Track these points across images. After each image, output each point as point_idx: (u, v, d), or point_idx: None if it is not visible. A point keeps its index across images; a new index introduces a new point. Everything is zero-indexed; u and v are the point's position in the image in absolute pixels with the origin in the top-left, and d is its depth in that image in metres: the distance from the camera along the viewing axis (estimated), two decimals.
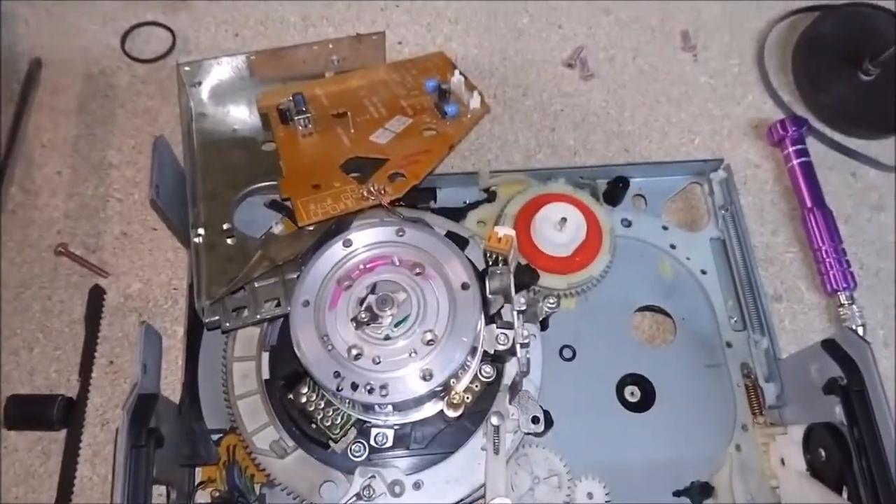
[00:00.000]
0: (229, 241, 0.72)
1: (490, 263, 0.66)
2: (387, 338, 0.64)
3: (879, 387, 0.60)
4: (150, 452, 0.56)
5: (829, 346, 0.65)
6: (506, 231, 0.64)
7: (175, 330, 0.76)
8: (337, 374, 0.62)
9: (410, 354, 0.63)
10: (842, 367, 0.63)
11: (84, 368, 0.73)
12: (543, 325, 0.77)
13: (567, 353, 0.77)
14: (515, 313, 0.66)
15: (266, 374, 0.70)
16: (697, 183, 0.87)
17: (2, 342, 0.75)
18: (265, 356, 0.70)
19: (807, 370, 0.68)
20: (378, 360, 0.63)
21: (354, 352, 0.63)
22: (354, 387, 0.61)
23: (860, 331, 0.80)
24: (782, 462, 0.70)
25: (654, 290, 0.81)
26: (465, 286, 0.65)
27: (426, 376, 0.62)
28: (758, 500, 0.71)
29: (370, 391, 0.61)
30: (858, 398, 0.61)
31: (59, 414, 0.69)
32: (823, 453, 0.65)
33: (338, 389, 0.61)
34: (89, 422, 0.72)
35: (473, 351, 0.68)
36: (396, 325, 0.64)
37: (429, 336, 0.64)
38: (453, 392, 0.64)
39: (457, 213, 0.80)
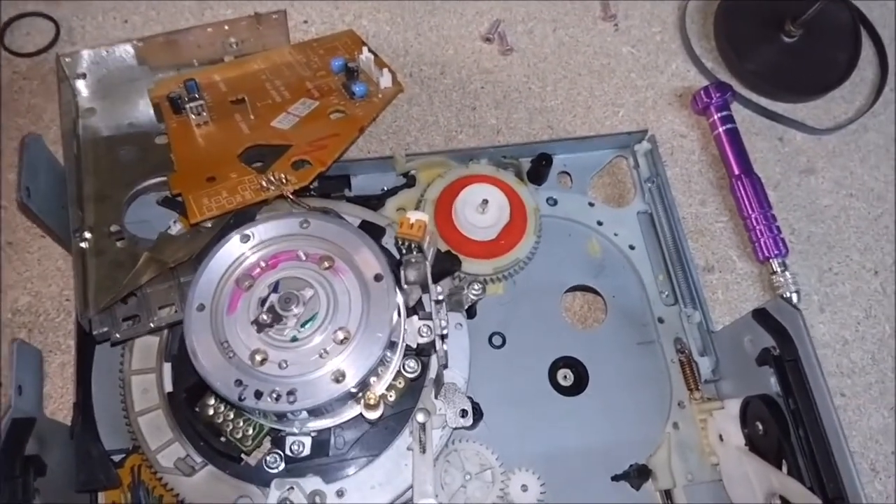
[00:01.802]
0: (119, 244, 0.66)
1: (404, 252, 0.62)
2: (294, 339, 0.58)
3: (813, 355, 0.58)
4: (29, 482, 0.50)
5: (760, 315, 0.63)
6: (418, 216, 0.60)
7: (69, 344, 0.70)
8: (239, 383, 0.56)
9: (321, 355, 0.58)
10: (774, 337, 0.61)
11: None
12: (470, 313, 0.73)
13: (497, 340, 0.73)
14: (434, 303, 0.62)
15: (168, 387, 0.64)
16: (623, 156, 0.84)
17: None
18: (167, 367, 0.65)
19: (740, 342, 0.66)
20: (285, 365, 0.58)
21: (258, 357, 0.58)
22: (258, 395, 0.56)
23: (794, 297, 0.78)
24: (720, 438, 0.68)
25: (583, 270, 0.78)
26: (378, 278, 0.60)
27: (339, 378, 0.57)
28: (698, 478, 0.68)
29: (276, 398, 0.56)
30: (792, 367, 0.59)
31: None
32: (761, 426, 0.63)
33: (240, 399, 0.56)
34: None
35: (392, 346, 0.63)
36: (304, 324, 0.59)
37: (341, 334, 0.59)
38: (369, 393, 0.60)
39: (374, 201, 0.76)
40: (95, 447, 0.62)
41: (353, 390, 0.58)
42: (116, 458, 0.64)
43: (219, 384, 0.56)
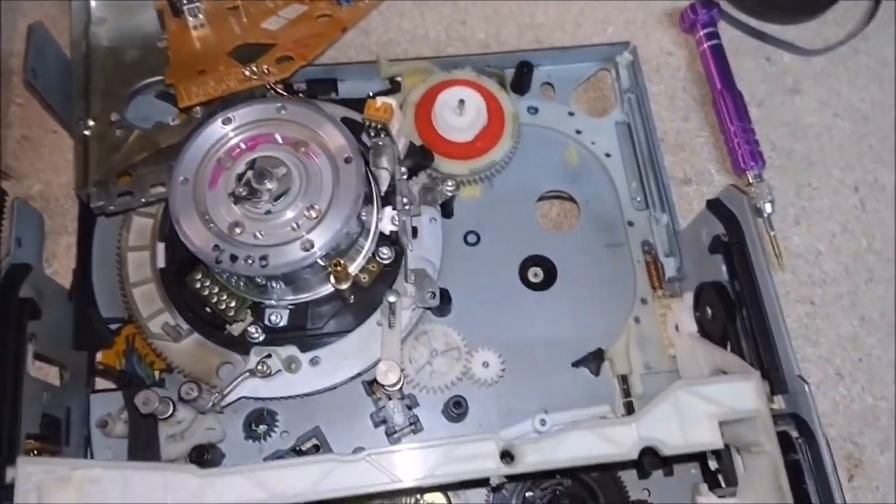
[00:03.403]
0: (118, 132, 0.71)
1: (372, 136, 0.66)
2: (268, 213, 0.63)
3: (756, 239, 0.61)
4: (24, 322, 0.56)
5: (713, 205, 0.65)
6: (385, 99, 0.63)
7: (76, 228, 0.76)
8: (216, 248, 0.62)
9: (292, 228, 0.63)
10: (724, 224, 0.64)
11: None
12: (447, 212, 0.77)
13: (471, 238, 0.77)
14: (399, 182, 0.66)
15: (161, 263, 0.70)
16: (606, 69, 0.86)
17: None
18: (160, 246, 0.70)
19: (699, 235, 0.68)
20: (259, 235, 0.63)
21: (237, 229, 0.63)
22: (234, 259, 0.61)
23: (767, 207, 0.79)
24: (676, 328, 0.71)
25: (559, 176, 0.80)
26: (348, 160, 0.65)
27: (307, 247, 0.62)
28: (656, 368, 0.72)
29: (250, 262, 0.61)
30: (737, 250, 0.62)
31: None
32: (710, 311, 0.66)
33: (217, 262, 0.61)
34: None
35: (365, 232, 0.68)
36: (277, 199, 0.63)
37: (311, 211, 0.63)
38: (339, 267, 0.64)
39: (360, 104, 0.79)
40: (92, 311, 0.68)
41: (321, 262, 0.63)
42: (113, 326, 0.71)
43: (198, 249, 0.62)
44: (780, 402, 0.58)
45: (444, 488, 0.63)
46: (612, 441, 0.53)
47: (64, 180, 0.79)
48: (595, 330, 0.73)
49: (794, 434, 0.55)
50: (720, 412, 0.54)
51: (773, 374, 0.57)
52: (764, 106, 0.89)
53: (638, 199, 0.79)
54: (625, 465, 0.59)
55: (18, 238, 0.58)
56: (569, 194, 0.80)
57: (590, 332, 0.73)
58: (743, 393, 0.55)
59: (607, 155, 0.81)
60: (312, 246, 0.62)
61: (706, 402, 0.54)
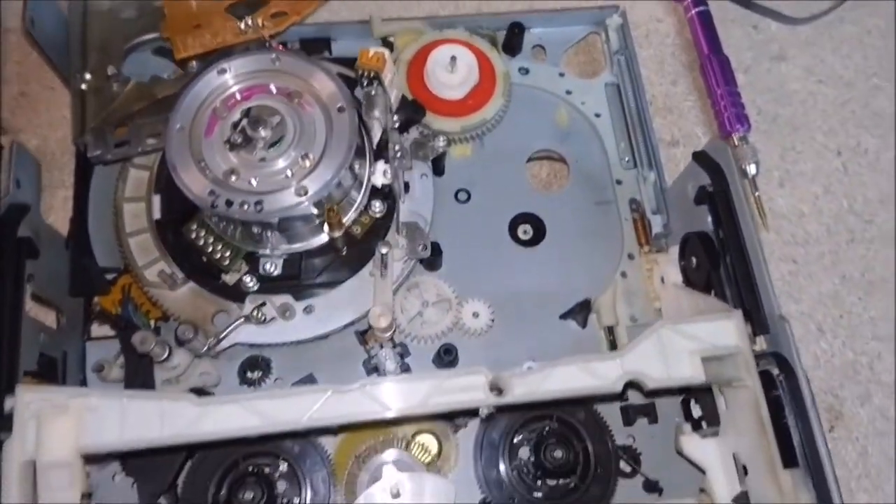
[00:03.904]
0: (115, 86, 0.72)
1: (365, 85, 0.67)
2: (262, 160, 0.65)
3: (740, 188, 0.62)
4: (22, 261, 0.57)
5: (699, 156, 0.67)
6: (378, 49, 0.65)
7: (73, 181, 0.77)
8: (212, 193, 0.63)
9: (286, 176, 0.64)
10: (709, 174, 0.65)
11: None
12: (439, 169, 0.78)
13: (462, 196, 0.78)
14: (392, 132, 0.67)
15: (157, 215, 0.71)
16: (596, 33, 0.87)
17: None
18: (156, 198, 0.71)
19: (685, 190, 0.70)
20: (254, 182, 0.64)
21: (232, 176, 0.64)
22: (229, 203, 0.63)
23: (753, 168, 0.81)
24: (662, 280, 0.72)
25: (549, 136, 0.82)
26: (341, 109, 0.66)
27: (300, 192, 0.63)
28: (642, 321, 0.73)
29: (245, 207, 0.62)
30: (722, 198, 0.63)
31: None
32: (695, 260, 0.67)
33: (213, 206, 0.62)
34: None
35: (355, 179, 0.69)
36: (271, 146, 0.65)
37: (305, 160, 0.65)
38: (333, 212, 0.65)
39: (353, 63, 0.80)
40: (88, 259, 0.69)
41: (315, 209, 0.64)
42: (109, 276, 0.72)
43: (195, 195, 0.63)
44: (761, 344, 0.60)
45: (436, 418, 0.65)
46: (598, 375, 0.55)
47: (60, 135, 0.80)
48: (582, 284, 0.75)
49: (776, 371, 0.57)
50: (702, 348, 0.56)
51: (755, 315, 0.59)
52: (750, 72, 0.91)
53: (626, 159, 0.81)
54: (610, 400, 0.61)
55: (17, 179, 0.59)
56: (559, 154, 0.81)
57: (577, 287, 0.75)
58: (724, 330, 0.57)
59: (597, 115, 0.82)
60: (306, 192, 0.63)
61: (689, 340, 0.56)
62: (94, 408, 0.51)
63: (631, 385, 0.56)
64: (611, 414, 0.68)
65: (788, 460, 0.54)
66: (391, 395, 0.54)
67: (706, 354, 0.56)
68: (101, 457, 0.57)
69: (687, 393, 0.68)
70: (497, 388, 0.55)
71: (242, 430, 0.52)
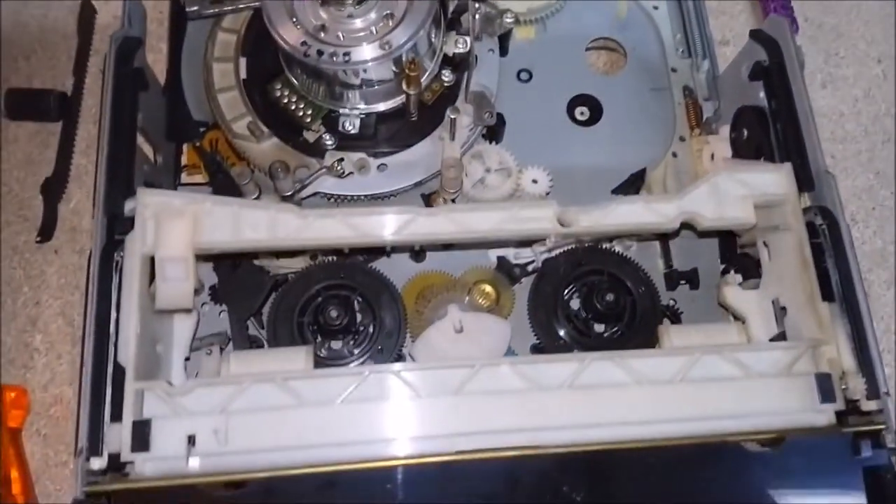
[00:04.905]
0: None
1: None
2: (350, 17, 0.70)
3: (795, 60, 0.67)
4: (137, 90, 0.63)
5: (756, 34, 0.71)
6: None
7: (164, 48, 0.82)
8: (304, 44, 0.68)
9: (371, 32, 0.70)
10: (765, 49, 0.69)
11: (78, 69, 0.79)
12: (504, 49, 0.83)
13: (524, 75, 0.83)
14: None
15: (244, 75, 0.76)
16: None
17: (1, 51, 0.81)
18: (243, 60, 0.77)
19: (739, 71, 0.74)
20: (342, 36, 0.69)
21: (322, 32, 0.69)
22: (320, 53, 0.68)
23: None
24: (712, 157, 0.77)
25: (609, 25, 0.86)
26: None
27: (384, 46, 0.68)
28: None
29: (334, 58, 0.68)
30: (777, 69, 0.68)
31: (54, 104, 0.76)
32: (746, 132, 0.72)
33: (305, 56, 0.68)
34: (83, 119, 0.79)
35: (429, 43, 0.73)
36: (359, 3, 0.70)
37: (389, 19, 0.70)
38: (413, 66, 0.70)
39: None
40: (182, 108, 0.75)
41: (394, 67, 0.70)
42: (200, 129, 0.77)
43: (290, 45, 0.68)
44: (806, 202, 0.65)
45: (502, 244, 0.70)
46: (657, 212, 0.61)
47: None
48: (634, 162, 0.79)
49: (819, 221, 0.62)
50: (754, 195, 0.61)
51: (802, 173, 0.64)
52: None
53: (681, 49, 0.85)
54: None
55: (129, 16, 0.65)
56: (617, 41, 0.86)
57: (629, 164, 0.79)
58: (775, 179, 0.62)
59: (655, 7, 0.86)
60: (389, 46, 0.68)
61: (742, 186, 0.62)
62: (209, 212, 0.57)
63: (685, 226, 0.61)
64: (655, 278, 0.74)
65: (826, 294, 0.59)
66: (470, 220, 0.59)
67: (757, 201, 0.61)
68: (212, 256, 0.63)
69: (729, 253, 0.73)
70: (564, 222, 0.60)
71: (338, 240, 0.58)
